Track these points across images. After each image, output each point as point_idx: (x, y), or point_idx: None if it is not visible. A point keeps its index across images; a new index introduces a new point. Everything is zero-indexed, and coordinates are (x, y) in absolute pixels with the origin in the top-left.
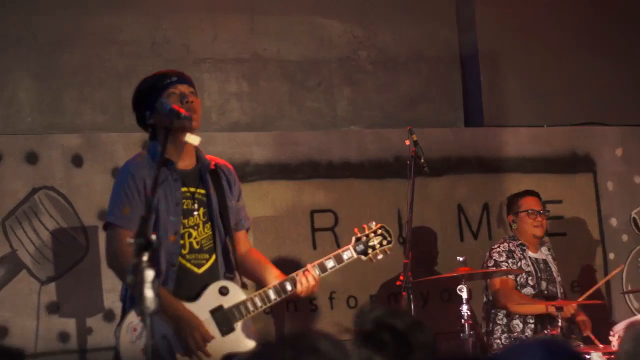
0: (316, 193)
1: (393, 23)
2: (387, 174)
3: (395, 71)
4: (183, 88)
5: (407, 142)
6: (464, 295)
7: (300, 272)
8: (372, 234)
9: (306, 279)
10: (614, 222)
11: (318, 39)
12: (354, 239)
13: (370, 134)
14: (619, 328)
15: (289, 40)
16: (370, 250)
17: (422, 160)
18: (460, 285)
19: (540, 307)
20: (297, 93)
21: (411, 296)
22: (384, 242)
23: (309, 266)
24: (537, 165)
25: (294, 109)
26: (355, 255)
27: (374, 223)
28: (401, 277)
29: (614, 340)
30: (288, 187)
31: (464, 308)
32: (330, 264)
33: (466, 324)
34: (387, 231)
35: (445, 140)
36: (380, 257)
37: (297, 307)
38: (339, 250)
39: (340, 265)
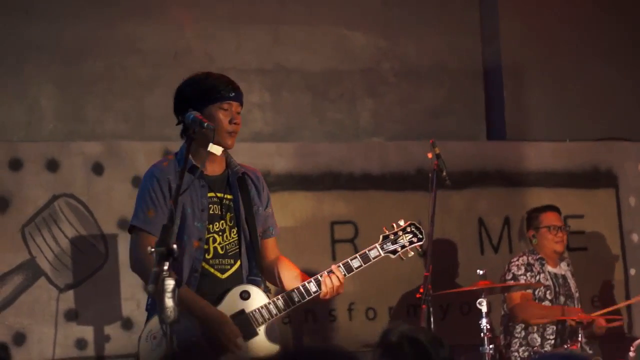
0: (336, 204)
1: (416, 35)
2: (409, 186)
3: (418, 83)
4: (235, 107)
5: (430, 155)
6: (484, 309)
7: (324, 273)
8: (401, 232)
9: (331, 280)
10: (635, 237)
11: (341, 50)
12: (381, 237)
13: (392, 146)
14: (639, 343)
15: (312, 51)
16: (399, 249)
17: (444, 174)
18: (480, 299)
19: (557, 313)
20: (320, 104)
21: (431, 309)
22: (415, 240)
23: (333, 267)
24: (559, 179)
25: (315, 120)
26: (382, 254)
27: (402, 221)
28: (421, 290)
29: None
30: (308, 198)
31: (484, 321)
32: (356, 263)
33: (485, 338)
34: (418, 228)
35: (467, 153)
36: (411, 255)
37: (316, 317)
38: (365, 250)
39: (367, 264)
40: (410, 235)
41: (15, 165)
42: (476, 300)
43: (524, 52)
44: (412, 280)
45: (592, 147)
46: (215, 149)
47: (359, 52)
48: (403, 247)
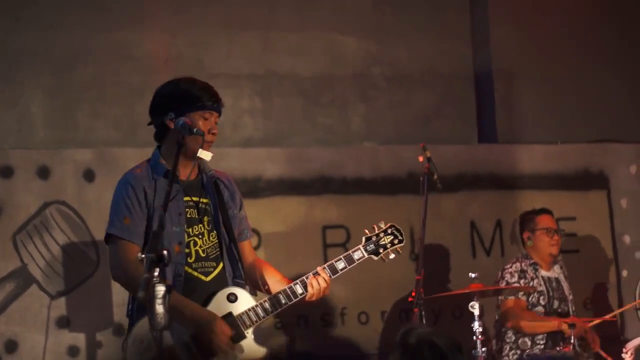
0: (328, 209)
1: (408, 40)
2: (400, 190)
3: (409, 88)
4: (214, 117)
5: (421, 159)
6: (476, 312)
7: (310, 274)
8: (383, 234)
9: (317, 282)
10: (627, 239)
11: (332, 55)
12: (364, 238)
13: (384, 151)
14: (631, 345)
15: (303, 56)
16: (381, 250)
17: (435, 177)
18: (472, 302)
19: (552, 325)
20: (311, 109)
21: (423, 313)
22: (395, 241)
23: (319, 269)
24: (550, 182)
25: (307, 125)
26: (366, 255)
27: (383, 223)
28: (413, 294)
29: (627, 357)
30: (300, 203)
31: (476, 325)
32: (340, 265)
33: (478, 341)
34: (398, 230)
35: (458, 157)
36: (392, 256)
37: (308, 322)
38: (349, 251)
39: (351, 266)
40: (392, 237)
41: (6, 172)
42: (468, 304)
43: (514, 56)
44: (404, 284)
45: (584, 149)
46: (205, 155)
47: (350, 57)
48: (385, 248)
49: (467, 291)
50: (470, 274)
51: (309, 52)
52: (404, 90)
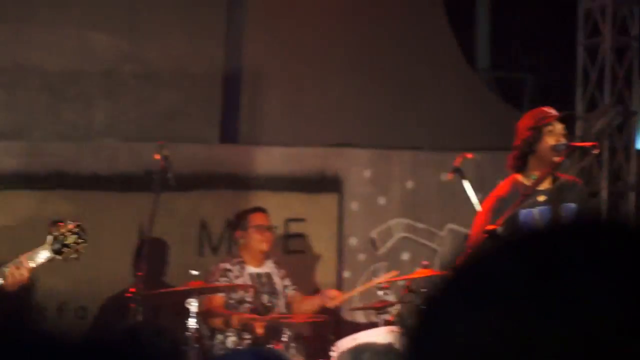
0: (61, 204)
1: (161, 38)
2: (135, 187)
3: (157, 86)
4: None
5: (157, 157)
6: (193, 309)
7: (11, 264)
8: (69, 233)
9: (19, 272)
10: (353, 241)
11: (83, 52)
12: (51, 237)
13: (123, 147)
14: (341, 344)
15: (53, 51)
16: (65, 249)
17: (169, 175)
18: (189, 299)
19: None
20: (55, 104)
21: (140, 308)
22: (80, 241)
23: (22, 258)
24: (285, 183)
25: (49, 120)
26: (51, 255)
27: (69, 221)
28: (132, 289)
29: (335, 356)
30: (31, 197)
31: (192, 322)
32: (31, 264)
33: (193, 337)
34: (84, 230)
35: (198, 156)
36: (74, 256)
37: None
38: (37, 249)
39: (38, 264)
40: (76, 237)
41: None
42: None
43: (266, 59)
44: (127, 280)
45: (321, 152)
46: None
47: (101, 54)
48: (68, 247)
49: (185, 288)
50: (191, 271)
51: (60, 47)
52: (151, 89)
